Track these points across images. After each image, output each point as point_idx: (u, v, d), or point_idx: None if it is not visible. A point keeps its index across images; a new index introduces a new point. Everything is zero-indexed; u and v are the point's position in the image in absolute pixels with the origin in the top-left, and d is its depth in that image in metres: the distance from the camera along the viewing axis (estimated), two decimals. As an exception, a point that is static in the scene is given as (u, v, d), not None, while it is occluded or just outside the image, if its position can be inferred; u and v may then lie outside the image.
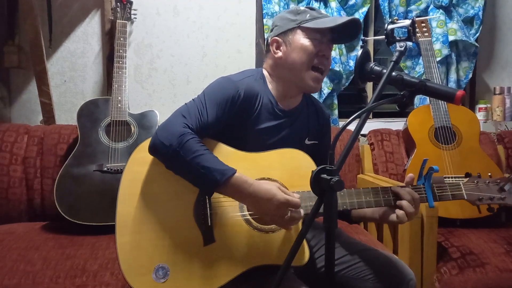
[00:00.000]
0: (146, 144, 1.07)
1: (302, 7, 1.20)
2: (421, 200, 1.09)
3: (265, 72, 1.23)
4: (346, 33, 1.16)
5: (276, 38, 1.19)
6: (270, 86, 1.21)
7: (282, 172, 1.12)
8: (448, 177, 1.70)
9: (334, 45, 2.19)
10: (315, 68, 1.16)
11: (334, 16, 1.21)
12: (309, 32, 1.14)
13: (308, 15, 1.15)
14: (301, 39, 1.14)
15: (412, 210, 1.05)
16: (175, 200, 1.06)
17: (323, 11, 2.21)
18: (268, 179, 1.11)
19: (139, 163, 1.08)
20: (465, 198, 1.12)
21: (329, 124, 1.36)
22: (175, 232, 1.04)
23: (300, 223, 1.10)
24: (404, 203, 1.05)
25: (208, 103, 1.08)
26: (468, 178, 1.16)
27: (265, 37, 2.24)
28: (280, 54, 1.18)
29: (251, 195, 1.00)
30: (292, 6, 2.22)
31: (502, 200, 1.11)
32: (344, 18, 1.12)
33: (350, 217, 1.23)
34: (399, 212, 1.05)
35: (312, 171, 0.75)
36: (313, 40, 1.14)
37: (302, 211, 1.02)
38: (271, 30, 1.22)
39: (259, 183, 1.01)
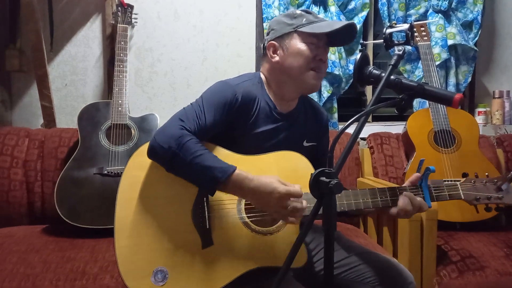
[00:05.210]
0: (144, 148, 1.07)
1: (298, 10, 1.20)
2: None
3: (262, 76, 1.24)
4: (342, 37, 1.17)
5: (273, 42, 1.19)
6: (267, 89, 1.22)
7: (279, 174, 1.12)
8: (448, 181, 1.70)
9: (334, 49, 2.21)
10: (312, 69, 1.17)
11: (330, 21, 1.22)
12: (306, 37, 1.15)
13: (305, 19, 1.16)
14: (298, 44, 1.15)
15: (410, 207, 1.07)
16: (173, 203, 1.07)
17: (321, 15, 2.23)
18: None
19: (138, 167, 1.09)
20: (462, 198, 1.13)
21: (327, 125, 1.37)
22: (173, 235, 1.05)
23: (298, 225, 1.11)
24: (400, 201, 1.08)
25: (206, 106, 1.09)
26: (465, 178, 1.16)
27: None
28: (277, 58, 1.18)
29: (252, 190, 1.01)
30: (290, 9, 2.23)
31: (500, 199, 1.11)
32: (340, 22, 1.13)
33: (347, 212, 1.23)
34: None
35: (311, 174, 0.75)
36: (309, 45, 1.15)
37: (305, 202, 1.02)
38: (267, 34, 1.23)
39: (259, 177, 1.02)
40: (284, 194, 0.99)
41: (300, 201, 1.01)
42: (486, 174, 1.17)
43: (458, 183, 1.14)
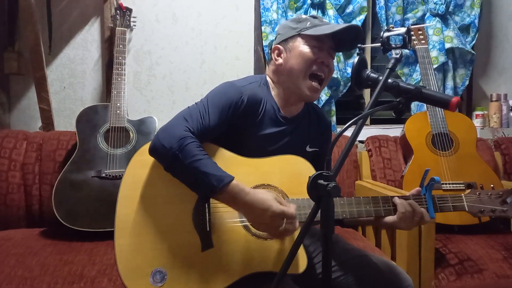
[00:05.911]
0: (147, 147, 1.07)
1: (304, 15, 1.21)
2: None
3: (268, 79, 1.24)
4: (347, 41, 1.16)
5: (278, 45, 1.20)
6: (273, 92, 1.22)
7: (282, 178, 1.12)
8: (446, 183, 1.71)
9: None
10: (313, 76, 1.16)
11: (333, 24, 1.22)
12: (309, 40, 1.15)
13: (309, 23, 1.16)
14: (301, 46, 1.15)
15: (409, 209, 1.07)
16: (175, 204, 1.07)
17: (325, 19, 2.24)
18: (268, 185, 1.12)
19: (140, 166, 1.09)
20: (466, 210, 1.12)
21: (330, 132, 1.37)
22: (173, 236, 1.05)
23: (296, 232, 1.10)
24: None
25: (210, 107, 1.09)
26: (469, 190, 1.15)
27: (264, 44, 2.26)
28: (280, 61, 1.19)
29: (246, 204, 1.00)
30: (290, 13, 2.24)
31: (504, 212, 1.10)
32: (342, 25, 1.13)
33: (342, 221, 1.23)
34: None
35: (309, 177, 0.75)
36: (312, 48, 1.15)
37: (297, 223, 1.02)
38: (275, 39, 1.24)
39: (256, 192, 1.01)
40: (278, 214, 0.98)
41: (294, 222, 1.00)
42: (492, 186, 1.16)
43: (462, 194, 1.13)
